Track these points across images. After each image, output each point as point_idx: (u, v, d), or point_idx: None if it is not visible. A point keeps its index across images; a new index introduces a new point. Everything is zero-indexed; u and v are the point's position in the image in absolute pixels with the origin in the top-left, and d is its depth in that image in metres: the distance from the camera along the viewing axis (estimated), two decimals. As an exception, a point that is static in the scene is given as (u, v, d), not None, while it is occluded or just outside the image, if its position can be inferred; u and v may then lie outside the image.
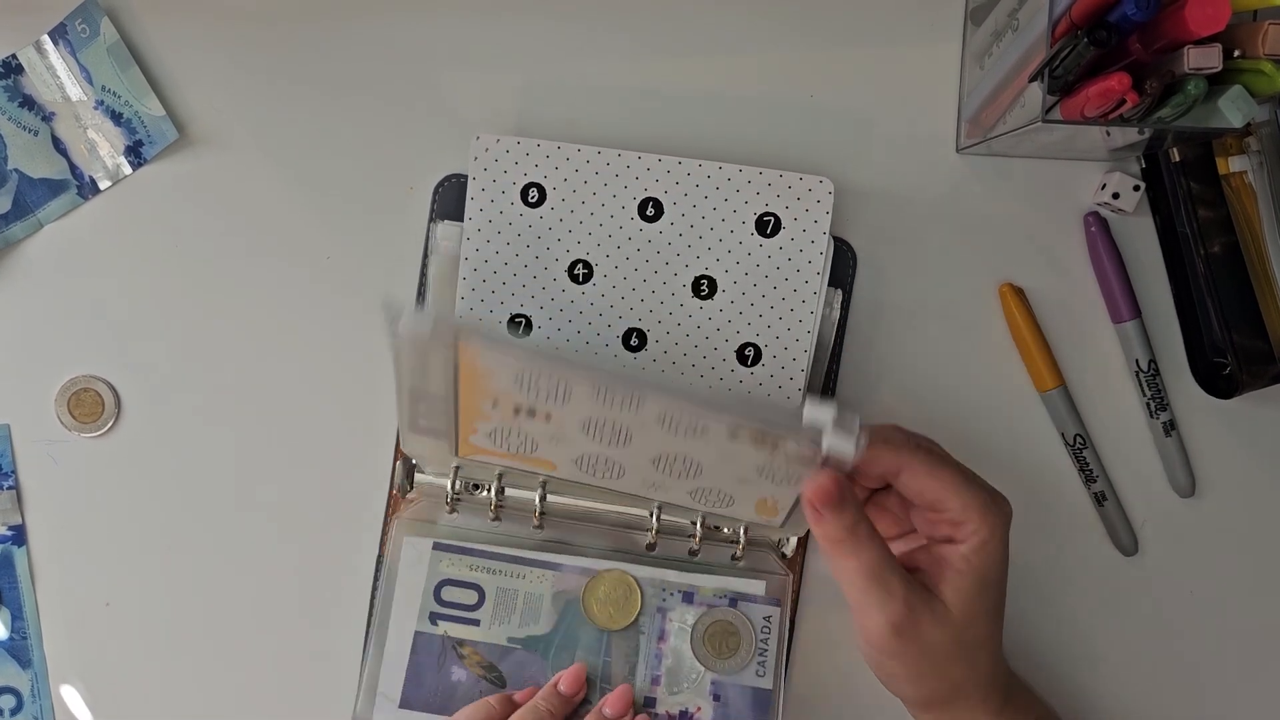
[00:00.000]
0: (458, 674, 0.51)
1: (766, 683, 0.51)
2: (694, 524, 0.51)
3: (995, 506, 0.44)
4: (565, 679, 0.50)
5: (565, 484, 0.50)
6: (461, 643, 0.51)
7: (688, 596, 0.51)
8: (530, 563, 0.51)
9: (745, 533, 0.51)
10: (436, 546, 0.51)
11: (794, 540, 0.53)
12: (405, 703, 0.50)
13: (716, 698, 0.51)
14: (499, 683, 0.51)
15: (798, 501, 0.45)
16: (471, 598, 0.51)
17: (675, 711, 0.51)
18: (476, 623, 0.51)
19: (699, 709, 0.51)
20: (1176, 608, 0.55)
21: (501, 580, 0.51)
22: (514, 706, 0.49)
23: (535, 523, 0.51)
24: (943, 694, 0.46)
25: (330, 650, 0.54)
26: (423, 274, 0.53)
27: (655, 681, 0.51)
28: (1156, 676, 0.55)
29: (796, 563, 0.53)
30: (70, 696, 0.53)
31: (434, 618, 0.51)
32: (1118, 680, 0.55)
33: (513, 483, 0.51)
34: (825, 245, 0.51)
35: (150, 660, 0.54)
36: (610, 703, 0.50)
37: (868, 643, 0.45)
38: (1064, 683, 0.54)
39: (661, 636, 0.51)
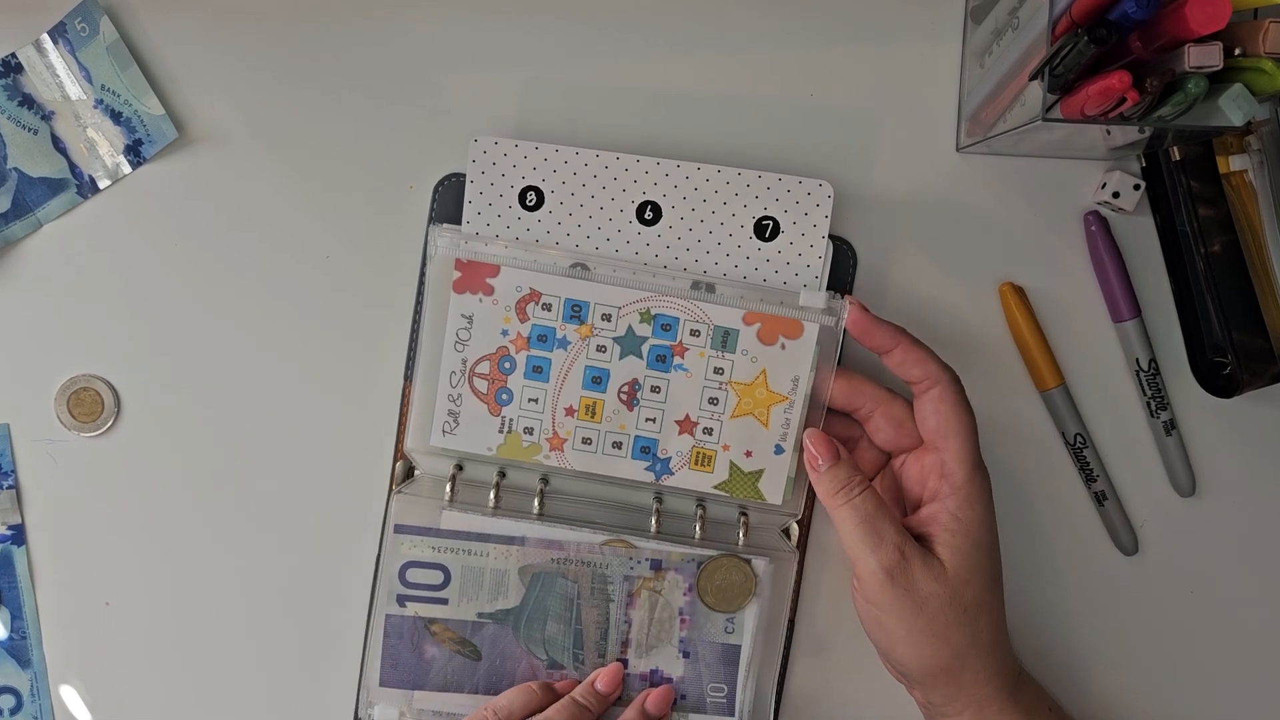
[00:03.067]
0: (431, 651, 0.51)
1: (735, 639, 0.51)
2: (698, 510, 0.51)
3: (952, 379, 0.48)
4: (603, 678, 0.50)
5: (566, 474, 0.51)
6: (432, 621, 0.51)
7: (655, 564, 0.51)
8: (492, 539, 0.51)
9: (746, 519, 0.51)
10: (397, 529, 0.51)
11: (797, 527, 0.53)
12: (385, 683, 0.51)
13: (686, 655, 0.51)
14: (474, 656, 0.51)
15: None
16: (437, 578, 0.51)
17: (646, 670, 0.51)
18: (444, 601, 0.51)
19: (669, 667, 0.51)
20: (1176, 608, 0.55)
21: (465, 559, 0.51)
22: (554, 694, 0.50)
23: (536, 511, 0.51)
24: (943, 660, 0.46)
25: (331, 650, 0.54)
26: (422, 276, 0.53)
27: (625, 644, 0.51)
28: (1157, 676, 0.55)
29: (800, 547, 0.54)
30: (70, 696, 0.53)
31: (401, 599, 0.51)
32: (1118, 680, 0.55)
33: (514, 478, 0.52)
34: (824, 249, 0.51)
35: (150, 660, 0.54)
36: (653, 702, 0.50)
37: (863, 597, 0.47)
38: (1064, 682, 0.54)
39: (630, 603, 0.51)
